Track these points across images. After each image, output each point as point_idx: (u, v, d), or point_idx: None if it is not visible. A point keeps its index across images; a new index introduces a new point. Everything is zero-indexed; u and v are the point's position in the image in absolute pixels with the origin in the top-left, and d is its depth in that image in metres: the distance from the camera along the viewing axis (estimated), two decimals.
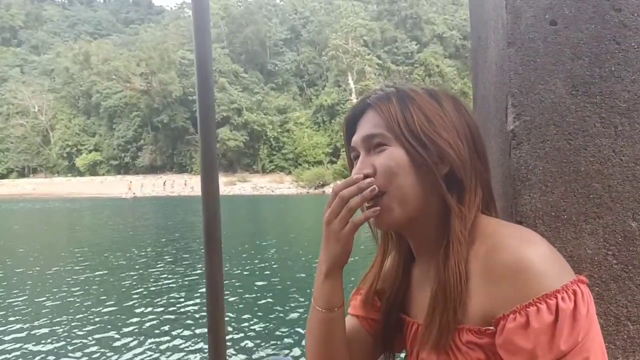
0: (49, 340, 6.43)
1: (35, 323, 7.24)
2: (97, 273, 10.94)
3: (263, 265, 11.99)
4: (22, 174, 78.16)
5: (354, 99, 68.22)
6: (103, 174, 75.36)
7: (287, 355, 5.87)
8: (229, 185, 61.18)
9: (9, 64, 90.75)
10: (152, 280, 10.29)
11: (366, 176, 0.90)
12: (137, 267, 11.84)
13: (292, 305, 8.17)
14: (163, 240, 17.09)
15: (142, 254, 14.00)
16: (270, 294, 8.98)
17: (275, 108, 75.41)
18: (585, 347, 0.71)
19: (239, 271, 11.05)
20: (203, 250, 1.28)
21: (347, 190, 0.90)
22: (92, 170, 76.15)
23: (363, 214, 0.91)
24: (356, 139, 0.94)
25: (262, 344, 6.31)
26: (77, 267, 11.70)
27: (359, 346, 1.05)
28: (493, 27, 1.22)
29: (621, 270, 1.03)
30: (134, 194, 55.23)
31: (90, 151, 77.67)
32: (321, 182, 60.15)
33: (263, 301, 8.49)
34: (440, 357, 0.87)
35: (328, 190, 57.38)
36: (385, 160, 0.89)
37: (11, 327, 6.95)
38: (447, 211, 0.88)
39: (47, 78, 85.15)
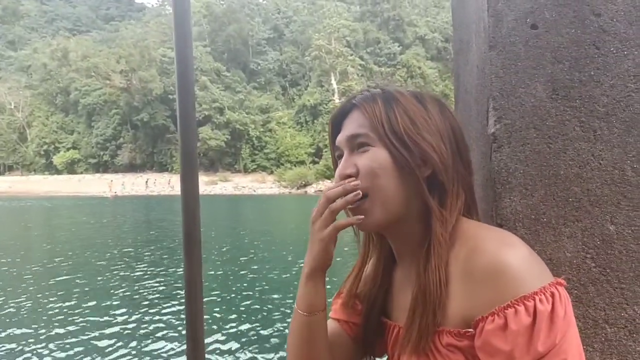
0: (25, 341, 6.31)
1: (12, 322, 7.10)
2: (78, 274, 10.78)
3: (243, 266, 11.93)
4: None
5: (337, 100, 68.48)
6: (81, 172, 74.30)
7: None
8: (210, 185, 60.81)
9: None
10: (131, 280, 10.17)
11: (349, 176, 0.90)
12: (117, 267, 11.69)
13: (273, 307, 8.15)
14: (144, 239, 16.91)
15: (123, 252, 13.83)
16: (251, 295, 8.95)
17: (257, 107, 75.17)
18: (562, 349, 0.71)
19: (220, 272, 10.98)
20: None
21: (332, 191, 0.90)
22: (70, 168, 75.03)
23: (346, 219, 0.91)
24: (340, 138, 0.94)
25: (243, 346, 6.28)
26: (57, 267, 11.52)
27: (340, 350, 1.04)
28: (475, 30, 1.23)
29: (599, 274, 1.04)
30: (115, 193, 54.56)
31: (68, 149, 76.48)
32: (303, 183, 60.15)
33: (243, 303, 8.45)
34: (421, 359, 0.87)
35: (310, 190, 57.50)
36: (368, 161, 0.89)
37: None
38: (429, 214, 0.88)
39: (24, 74, 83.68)
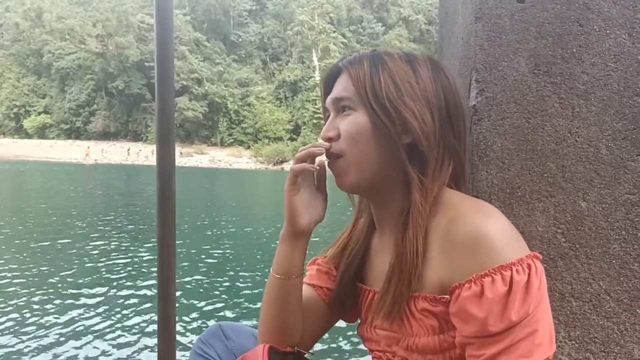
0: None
1: None
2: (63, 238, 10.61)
3: (216, 238, 11.91)
4: None
5: (318, 77, 67.97)
6: (52, 138, 72.52)
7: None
8: (185, 157, 60.18)
9: None
10: (104, 248, 10.07)
11: (330, 138, 0.92)
12: (92, 234, 11.54)
13: (246, 279, 8.17)
14: (125, 208, 16.70)
15: (101, 220, 13.66)
16: (224, 268, 8.95)
17: (236, 80, 74.16)
18: (534, 319, 0.73)
19: (193, 243, 10.94)
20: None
21: (299, 154, 0.94)
22: (41, 133, 73.14)
23: (300, 165, 0.93)
24: (328, 100, 0.95)
25: (215, 313, 6.30)
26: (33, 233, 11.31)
27: (314, 315, 1.05)
28: (461, 2, 1.22)
29: (568, 249, 1.06)
30: (96, 160, 53.64)
31: (39, 113, 74.41)
32: (280, 159, 59.96)
33: (216, 278, 8.45)
34: (394, 323, 0.88)
35: (287, 167, 57.32)
36: (349, 125, 0.89)
37: None
38: (409, 182, 0.88)
39: None
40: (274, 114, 70.41)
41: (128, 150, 61.74)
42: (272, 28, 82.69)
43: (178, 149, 58.54)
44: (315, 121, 63.04)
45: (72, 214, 14.80)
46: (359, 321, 1.06)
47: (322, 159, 0.93)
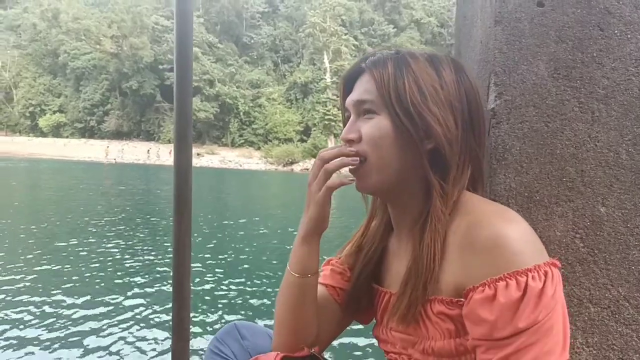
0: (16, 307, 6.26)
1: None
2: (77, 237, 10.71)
3: (229, 239, 11.95)
4: None
5: (328, 79, 68.01)
6: (67, 137, 73.18)
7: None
8: (196, 157, 60.39)
9: None
10: (122, 246, 10.14)
11: (351, 140, 0.91)
12: (110, 232, 11.63)
13: (260, 279, 8.19)
14: (144, 206, 16.82)
15: (119, 218, 13.77)
16: (237, 269, 8.98)
17: (248, 82, 74.36)
18: (545, 326, 0.72)
19: (206, 243, 10.98)
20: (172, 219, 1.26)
21: (327, 152, 0.91)
22: (56, 131, 73.83)
23: (339, 179, 0.91)
24: (349, 101, 0.94)
25: (228, 314, 6.32)
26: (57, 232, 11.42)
27: (328, 315, 1.05)
28: (481, 6, 1.22)
29: (587, 254, 1.06)
30: (115, 160, 54.19)
31: (54, 112, 75.08)
32: (290, 160, 59.99)
33: (229, 278, 8.48)
34: (410, 327, 0.88)
35: (297, 168, 57.44)
36: (371, 129, 0.89)
37: None
38: (430, 186, 0.87)
39: (12, 34, 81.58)
40: (285, 115, 70.45)
41: (148, 150, 62.01)
42: (284, 30, 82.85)
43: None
44: (325, 123, 63.02)
45: (96, 210, 14.94)
46: (375, 322, 1.06)
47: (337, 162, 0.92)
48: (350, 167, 0.91)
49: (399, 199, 0.93)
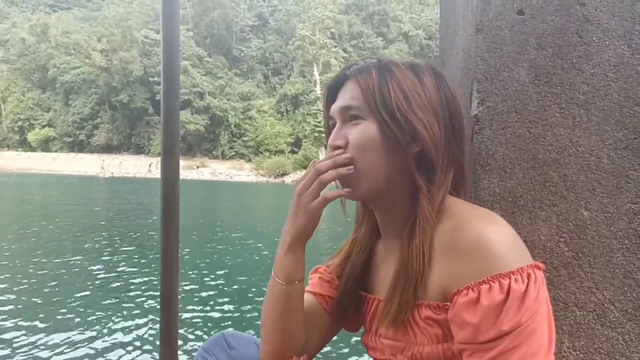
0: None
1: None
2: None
3: (218, 250, 11.88)
4: None
5: (318, 91, 68.26)
6: (56, 151, 72.75)
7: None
8: (187, 170, 60.23)
9: None
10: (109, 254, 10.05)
11: (338, 147, 0.91)
12: (100, 246, 11.53)
13: (250, 290, 8.14)
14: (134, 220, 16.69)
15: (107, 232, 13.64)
16: (227, 280, 8.92)
17: (238, 94, 74.45)
18: (529, 329, 0.72)
19: (195, 255, 10.91)
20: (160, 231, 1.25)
21: (322, 164, 0.91)
22: (45, 146, 73.37)
23: (336, 191, 0.92)
24: (334, 108, 0.95)
25: (217, 324, 6.27)
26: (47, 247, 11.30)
27: (316, 323, 1.05)
28: (462, 15, 1.23)
29: (572, 258, 1.06)
30: (112, 173, 54.08)
31: (43, 126, 74.62)
32: (281, 172, 59.98)
33: (218, 289, 8.42)
34: (399, 332, 0.88)
35: (288, 179, 57.40)
36: (358, 135, 0.89)
37: None
38: (416, 189, 0.88)
39: (0, 48, 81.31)
40: (275, 127, 70.57)
41: (149, 165, 61.55)
42: (274, 43, 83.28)
43: (180, 162, 58.52)
44: (316, 134, 63.18)
45: (89, 224, 14.81)
46: (363, 330, 1.06)
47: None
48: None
49: (386, 203, 0.93)
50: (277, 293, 0.97)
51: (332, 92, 0.98)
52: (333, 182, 0.93)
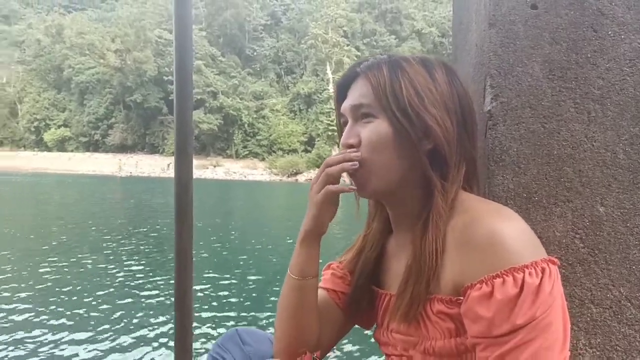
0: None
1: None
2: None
3: (232, 248, 11.94)
4: None
5: (331, 89, 68.18)
6: (71, 151, 73.62)
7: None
8: (201, 169, 60.61)
9: None
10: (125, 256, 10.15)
11: (351, 146, 0.91)
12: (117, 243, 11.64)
13: (263, 288, 8.16)
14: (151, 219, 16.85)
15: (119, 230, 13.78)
16: (241, 277, 8.96)
17: (251, 93, 74.68)
18: (543, 322, 0.72)
19: (209, 253, 10.98)
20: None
21: (331, 158, 0.92)
22: (60, 146, 74.26)
23: (340, 185, 0.92)
24: (345, 106, 0.95)
25: (231, 322, 6.31)
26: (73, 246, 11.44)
27: (329, 319, 1.05)
28: (475, 10, 1.23)
29: (587, 254, 1.05)
30: (130, 173, 54.84)
31: (59, 126, 75.55)
32: (295, 171, 60.13)
33: (233, 288, 8.46)
34: (411, 327, 0.88)
35: (301, 178, 57.51)
36: (370, 133, 0.89)
37: None
38: (429, 185, 0.88)
39: (16, 49, 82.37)
40: (288, 126, 70.66)
41: (168, 165, 61.96)
42: (287, 42, 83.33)
43: (194, 162, 58.89)
44: (329, 133, 63.18)
45: (90, 224, 14.97)
46: (375, 326, 1.06)
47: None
48: (350, 172, 0.91)
49: (398, 200, 0.93)
50: (291, 288, 0.98)
51: (342, 89, 0.98)
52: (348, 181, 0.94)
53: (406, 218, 0.94)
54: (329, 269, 1.11)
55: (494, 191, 1.07)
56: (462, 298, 0.80)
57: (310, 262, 0.97)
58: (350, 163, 0.89)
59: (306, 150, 66.68)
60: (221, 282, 8.45)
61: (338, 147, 0.97)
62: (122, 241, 12.46)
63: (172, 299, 1.23)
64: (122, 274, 8.90)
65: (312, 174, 59.58)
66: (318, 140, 66.26)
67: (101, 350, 5.13)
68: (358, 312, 1.05)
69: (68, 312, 6.43)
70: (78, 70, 74.74)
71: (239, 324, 6.31)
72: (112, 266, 9.46)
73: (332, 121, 62.80)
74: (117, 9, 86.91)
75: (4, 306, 6.58)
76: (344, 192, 0.93)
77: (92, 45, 74.63)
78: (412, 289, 0.85)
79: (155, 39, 72.41)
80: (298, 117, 72.99)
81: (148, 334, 5.73)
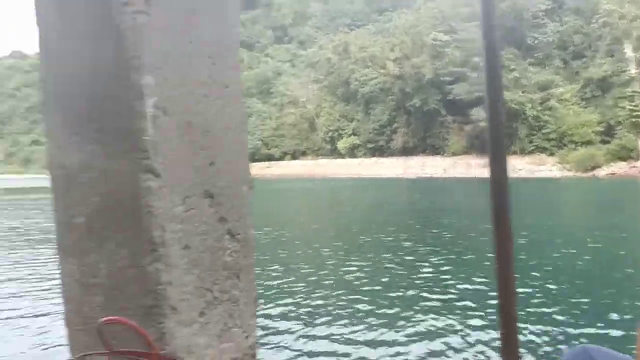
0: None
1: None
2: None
3: (557, 254, 11.04)
4: (294, 156, 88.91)
5: (633, 70, 59.39)
6: (360, 157, 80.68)
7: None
8: (484, 167, 59.44)
9: (282, 59, 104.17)
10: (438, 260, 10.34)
11: None
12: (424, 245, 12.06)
13: (603, 300, 7.21)
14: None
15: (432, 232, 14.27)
16: (571, 283, 8.17)
17: (534, 85, 69.98)
18: None
19: (531, 257, 10.35)
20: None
21: None
22: (351, 153, 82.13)
23: None
24: None
25: (562, 335, 5.69)
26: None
27: None
28: None
29: None
30: (418, 175, 59.00)
31: (349, 135, 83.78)
32: (591, 165, 54.08)
33: (562, 295, 7.71)
34: None
35: (600, 173, 51.49)
36: None
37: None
38: None
39: (312, 70, 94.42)
40: (580, 116, 63.78)
41: (454, 163, 64.06)
42: (573, 24, 75.60)
43: (478, 161, 58.26)
44: (633, 120, 54.92)
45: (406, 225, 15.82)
46: None
47: None
48: None
49: None
50: None
51: None
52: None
53: None
54: None
55: None
56: None
57: None
58: None
59: (603, 141, 59.10)
60: (545, 288, 7.83)
61: None
62: (430, 241, 12.73)
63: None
64: (432, 274, 9.02)
65: (614, 167, 52.65)
66: (619, 129, 58.10)
67: (417, 352, 5.21)
68: None
69: (381, 310, 6.71)
70: (363, 82, 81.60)
71: (566, 335, 5.65)
72: (423, 265, 9.65)
73: (636, 106, 54.55)
74: (394, 19, 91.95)
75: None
76: None
77: (374, 56, 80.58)
78: None
79: (431, 42, 73.99)
80: (592, 105, 65.34)
81: (466, 338, 5.61)
